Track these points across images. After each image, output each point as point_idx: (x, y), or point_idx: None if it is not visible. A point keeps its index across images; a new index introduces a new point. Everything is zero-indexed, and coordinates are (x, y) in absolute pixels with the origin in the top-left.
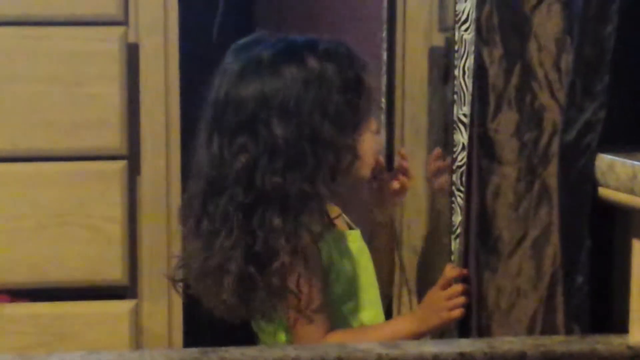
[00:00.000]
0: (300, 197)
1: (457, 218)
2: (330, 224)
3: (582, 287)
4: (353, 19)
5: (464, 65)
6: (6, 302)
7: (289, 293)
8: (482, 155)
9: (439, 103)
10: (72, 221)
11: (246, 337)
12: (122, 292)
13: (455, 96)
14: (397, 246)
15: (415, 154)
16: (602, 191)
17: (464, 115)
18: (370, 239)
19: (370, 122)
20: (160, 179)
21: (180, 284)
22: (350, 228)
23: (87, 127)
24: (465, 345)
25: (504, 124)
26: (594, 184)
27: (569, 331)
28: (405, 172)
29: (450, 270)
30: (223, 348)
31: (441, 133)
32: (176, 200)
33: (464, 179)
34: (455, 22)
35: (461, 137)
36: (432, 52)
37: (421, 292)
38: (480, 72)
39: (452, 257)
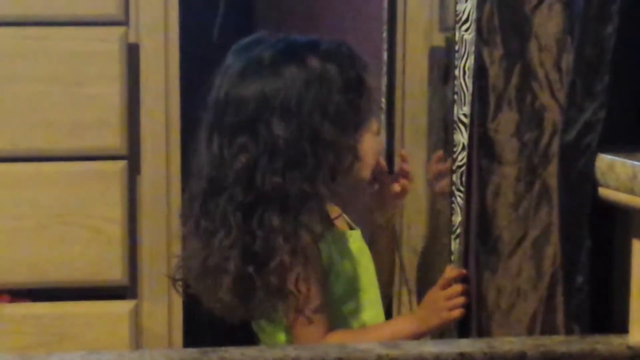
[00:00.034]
0: (300, 197)
1: (457, 218)
2: (330, 224)
3: (582, 287)
4: (353, 19)
5: (464, 66)
6: (6, 302)
7: (289, 293)
8: (482, 155)
9: (439, 103)
10: (72, 221)
11: (246, 337)
12: (122, 292)
13: (455, 96)
14: (397, 246)
15: (415, 154)
16: (602, 191)
17: (464, 115)
18: (370, 241)
19: (371, 122)
20: (160, 179)
21: (180, 284)
22: (351, 228)
23: (87, 127)
24: (465, 345)
25: (504, 124)
26: (594, 184)
27: (569, 331)
28: (406, 174)
29: (450, 271)
30: (223, 348)
31: (441, 133)
32: (176, 200)
33: (464, 179)
34: (456, 22)
35: (461, 137)
36: (432, 52)
37: (421, 292)
38: (480, 72)
39: (452, 257)
